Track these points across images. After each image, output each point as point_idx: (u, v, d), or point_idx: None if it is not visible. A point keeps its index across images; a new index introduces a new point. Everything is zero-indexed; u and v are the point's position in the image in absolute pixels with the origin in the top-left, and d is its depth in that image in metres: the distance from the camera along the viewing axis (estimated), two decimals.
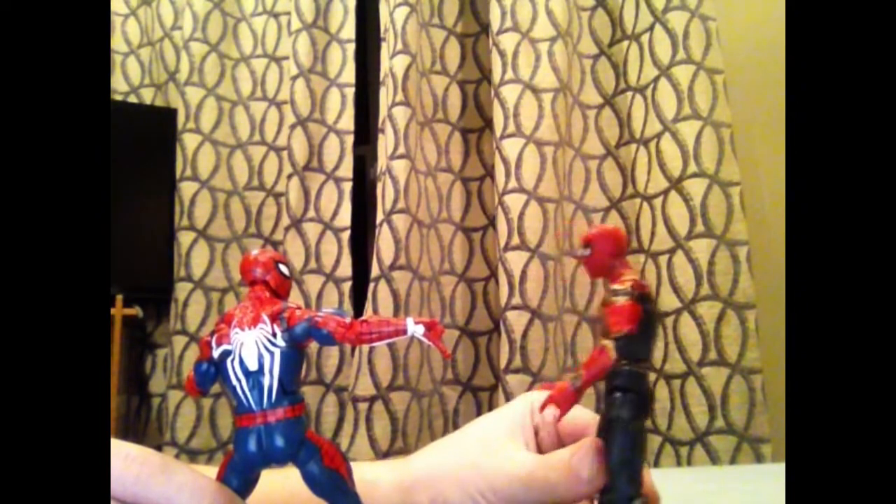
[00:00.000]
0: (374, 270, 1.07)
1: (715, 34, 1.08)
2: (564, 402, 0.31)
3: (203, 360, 0.29)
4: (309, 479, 0.28)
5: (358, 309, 1.14)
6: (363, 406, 1.04)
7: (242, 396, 0.28)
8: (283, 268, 0.30)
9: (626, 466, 0.31)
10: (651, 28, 1.12)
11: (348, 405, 1.06)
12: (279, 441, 0.28)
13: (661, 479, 0.36)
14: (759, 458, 0.96)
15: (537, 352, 1.03)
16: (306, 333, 0.28)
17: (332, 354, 1.17)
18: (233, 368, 0.28)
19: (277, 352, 0.28)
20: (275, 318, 0.28)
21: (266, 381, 0.28)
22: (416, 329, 0.28)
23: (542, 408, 0.32)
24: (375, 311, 1.05)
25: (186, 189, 1.24)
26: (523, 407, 0.40)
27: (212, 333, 0.29)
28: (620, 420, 0.31)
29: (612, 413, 0.31)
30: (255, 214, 1.29)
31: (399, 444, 1.04)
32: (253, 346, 0.28)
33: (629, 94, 1.17)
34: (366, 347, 1.04)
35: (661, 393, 1.05)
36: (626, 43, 1.18)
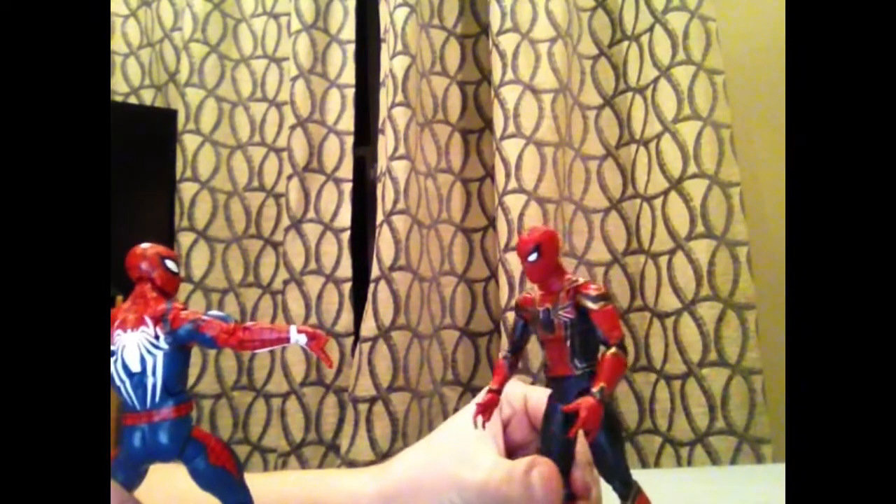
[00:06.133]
0: (374, 271, 1.07)
1: (715, 35, 1.08)
2: (595, 417, 0.30)
3: None
4: (195, 475, 0.29)
5: (358, 310, 1.14)
6: (363, 407, 1.04)
7: (126, 396, 0.29)
8: (170, 264, 0.30)
9: (614, 468, 0.32)
10: (651, 29, 1.12)
11: (348, 406, 1.06)
12: (163, 439, 0.28)
13: (661, 479, 0.36)
14: (759, 459, 0.96)
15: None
16: (190, 336, 0.29)
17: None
18: (116, 370, 0.29)
19: (160, 354, 0.28)
20: (158, 319, 0.29)
21: (150, 383, 0.28)
22: (298, 338, 0.29)
23: (573, 432, 0.30)
24: (376, 311, 1.05)
25: (186, 190, 1.25)
26: None
27: None
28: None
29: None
30: (256, 215, 1.29)
31: (399, 445, 1.03)
32: (135, 348, 0.28)
33: (629, 94, 1.17)
34: (366, 347, 1.04)
35: (662, 394, 1.05)
36: (625, 44, 1.18)
